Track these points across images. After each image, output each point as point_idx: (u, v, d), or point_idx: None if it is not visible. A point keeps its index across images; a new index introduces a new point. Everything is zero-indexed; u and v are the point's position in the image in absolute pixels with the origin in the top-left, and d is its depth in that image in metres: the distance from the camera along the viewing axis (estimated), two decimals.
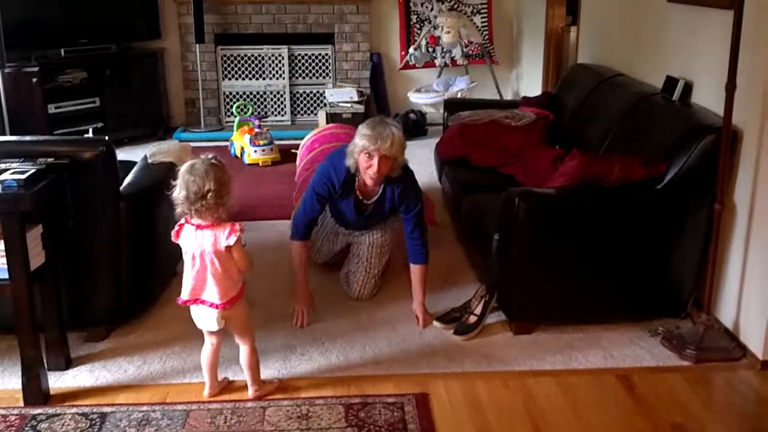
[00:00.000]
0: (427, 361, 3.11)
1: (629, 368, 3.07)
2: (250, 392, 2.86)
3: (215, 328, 2.74)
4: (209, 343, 2.83)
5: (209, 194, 2.57)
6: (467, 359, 3.13)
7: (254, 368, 2.85)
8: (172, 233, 2.71)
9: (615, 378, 2.99)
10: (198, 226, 2.65)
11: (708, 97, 3.45)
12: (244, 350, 2.83)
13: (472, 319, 3.34)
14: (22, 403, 2.81)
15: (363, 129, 3.21)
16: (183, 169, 2.63)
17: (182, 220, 2.69)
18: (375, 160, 3.18)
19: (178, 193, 2.61)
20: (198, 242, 2.64)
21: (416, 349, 3.20)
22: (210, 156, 2.66)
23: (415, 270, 3.44)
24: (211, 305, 2.69)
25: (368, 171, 3.23)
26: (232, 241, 2.62)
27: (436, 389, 2.91)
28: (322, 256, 3.85)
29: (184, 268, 2.72)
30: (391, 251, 3.74)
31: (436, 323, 3.40)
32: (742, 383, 2.98)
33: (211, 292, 2.68)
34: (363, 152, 3.19)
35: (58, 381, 2.96)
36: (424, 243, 3.43)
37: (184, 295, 2.72)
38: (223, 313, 2.70)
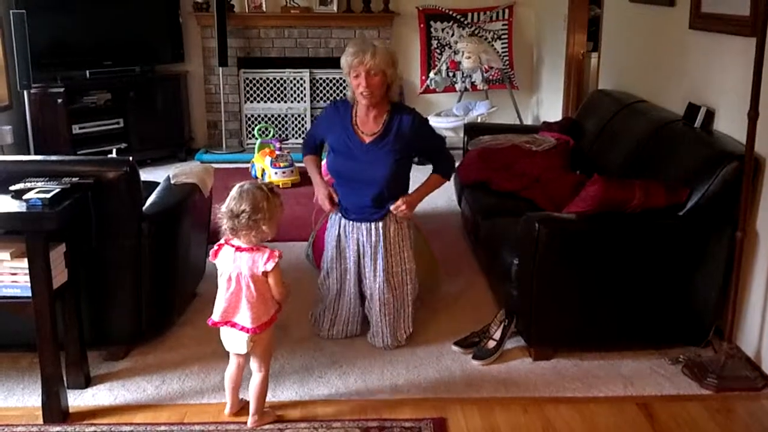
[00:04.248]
0: (446, 386, 3.10)
1: (650, 396, 3.04)
2: (250, 421, 2.80)
3: (244, 351, 2.73)
4: (234, 363, 2.83)
5: (242, 215, 2.62)
6: (486, 384, 3.11)
7: (262, 397, 2.81)
8: (210, 253, 2.76)
9: (635, 406, 2.96)
10: (238, 248, 2.69)
11: (730, 125, 3.44)
12: (257, 377, 2.80)
13: (491, 344, 3.33)
14: (41, 421, 2.82)
15: (347, 49, 3.32)
16: (236, 186, 2.72)
17: (222, 241, 2.74)
18: (362, 77, 3.25)
19: (222, 207, 2.69)
20: (236, 264, 2.67)
21: (434, 373, 3.19)
22: (266, 182, 2.70)
23: (431, 176, 3.53)
24: (242, 329, 2.69)
25: (360, 90, 3.29)
26: (270, 266, 2.65)
27: (454, 414, 2.89)
28: (340, 316, 3.46)
29: (218, 289, 2.74)
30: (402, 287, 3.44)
31: (454, 347, 3.38)
32: (763, 413, 2.94)
33: (244, 316, 2.69)
34: (351, 73, 3.29)
35: (77, 399, 2.98)
36: (450, 164, 3.57)
37: (215, 316, 2.73)
38: (254, 337, 2.70)
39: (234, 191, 2.69)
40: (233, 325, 2.71)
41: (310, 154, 3.67)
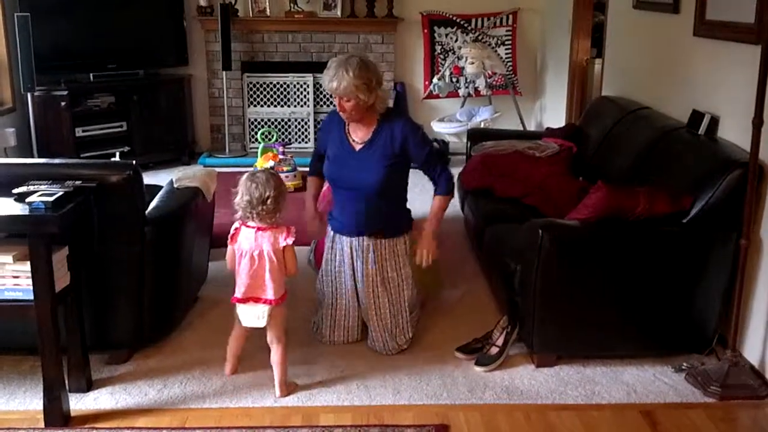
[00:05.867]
0: (448, 392, 3.09)
1: (653, 404, 3.03)
2: (278, 392, 3.02)
3: (263, 324, 2.98)
4: (240, 331, 3.08)
5: (269, 200, 2.90)
6: (488, 391, 3.10)
7: (284, 368, 3.03)
8: (229, 237, 2.99)
9: (638, 414, 2.95)
10: (258, 228, 2.94)
11: (734, 132, 3.43)
12: (278, 350, 3.02)
13: (494, 350, 3.32)
14: (42, 425, 2.81)
15: (326, 68, 3.34)
16: (244, 177, 2.98)
17: (237, 224, 2.98)
18: (336, 100, 3.31)
19: (241, 198, 2.94)
20: (258, 242, 2.93)
21: (437, 379, 3.18)
22: (270, 167, 2.91)
23: (435, 200, 3.47)
24: (266, 301, 2.95)
25: (339, 110, 3.35)
26: (290, 241, 2.94)
27: (456, 421, 2.89)
28: (338, 322, 3.46)
29: (238, 269, 2.96)
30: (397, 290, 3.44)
31: (457, 354, 3.37)
32: (767, 422, 2.93)
33: (268, 288, 2.95)
34: None
35: (78, 403, 2.97)
36: (446, 177, 3.45)
37: (239, 293, 2.97)
38: (273, 310, 2.95)
39: (247, 181, 2.93)
40: (256, 299, 2.96)
41: (312, 175, 3.69)
